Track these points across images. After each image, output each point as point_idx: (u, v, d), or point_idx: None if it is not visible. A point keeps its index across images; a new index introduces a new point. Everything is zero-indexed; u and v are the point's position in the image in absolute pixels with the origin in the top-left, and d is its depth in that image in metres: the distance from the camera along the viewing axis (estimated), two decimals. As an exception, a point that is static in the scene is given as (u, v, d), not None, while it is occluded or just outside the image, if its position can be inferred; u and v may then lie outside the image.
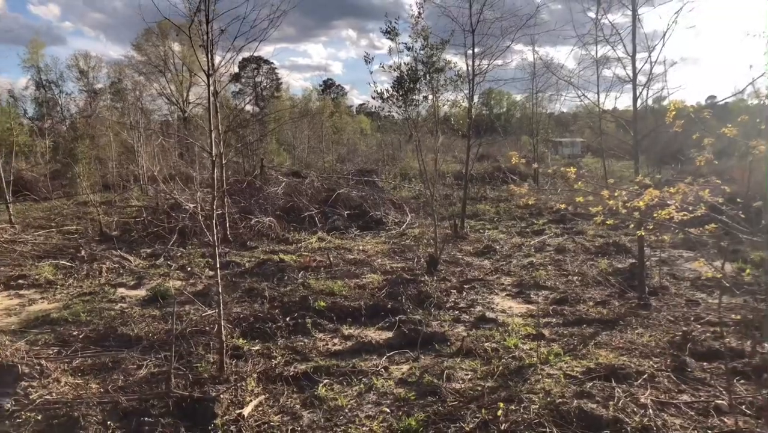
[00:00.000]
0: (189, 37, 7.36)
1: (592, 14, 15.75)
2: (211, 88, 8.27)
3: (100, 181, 33.41)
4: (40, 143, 41.30)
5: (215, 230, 7.71)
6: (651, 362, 8.12)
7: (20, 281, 13.42)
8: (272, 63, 69.78)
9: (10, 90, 51.89)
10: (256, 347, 9.04)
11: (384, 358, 8.59)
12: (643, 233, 6.90)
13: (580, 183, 6.18)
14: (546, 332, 9.69)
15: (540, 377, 7.63)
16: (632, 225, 6.85)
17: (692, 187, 5.31)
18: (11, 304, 11.96)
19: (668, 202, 5.28)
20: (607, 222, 6.03)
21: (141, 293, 12.62)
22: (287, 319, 10.25)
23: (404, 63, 16.90)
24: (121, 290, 12.90)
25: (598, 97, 20.89)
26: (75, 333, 9.52)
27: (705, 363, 8.07)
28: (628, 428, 6.03)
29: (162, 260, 15.81)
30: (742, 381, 7.37)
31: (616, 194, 5.59)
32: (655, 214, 5.49)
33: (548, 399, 6.82)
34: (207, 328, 9.47)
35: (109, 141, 35.42)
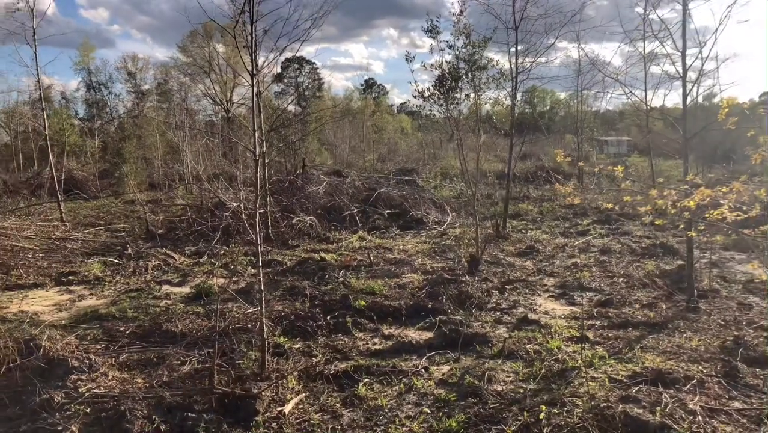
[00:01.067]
0: (234, 38, 7.45)
1: (639, 9, 15.36)
2: (255, 88, 8.36)
3: (147, 180, 34.36)
4: (90, 143, 42.77)
5: (258, 229, 7.79)
6: (700, 367, 7.83)
7: (70, 277, 13.87)
8: (314, 63, 70.43)
9: (62, 92, 53.87)
10: (297, 345, 9.11)
11: (424, 358, 8.53)
12: (694, 234, 6.64)
13: (627, 183, 5.98)
14: (590, 334, 9.44)
15: (584, 380, 7.43)
16: (682, 225, 6.60)
17: (747, 187, 5.07)
18: (62, 299, 12.38)
19: (721, 201, 5.06)
20: (656, 222, 5.83)
21: (185, 290, 12.88)
22: (328, 318, 10.30)
23: (446, 61, 16.84)
24: (166, 287, 13.20)
25: (645, 95, 20.40)
26: (122, 329, 9.77)
27: (757, 369, 7.73)
28: (677, 436, 5.83)
29: (206, 257, 16.12)
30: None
31: (665, 194, 5.39)
32: (706, 215, 5.27)
33: (592, 403, 6.64)
34: (249, 325, 9.59)
35: (155, 141, 36.39)
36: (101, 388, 7.20)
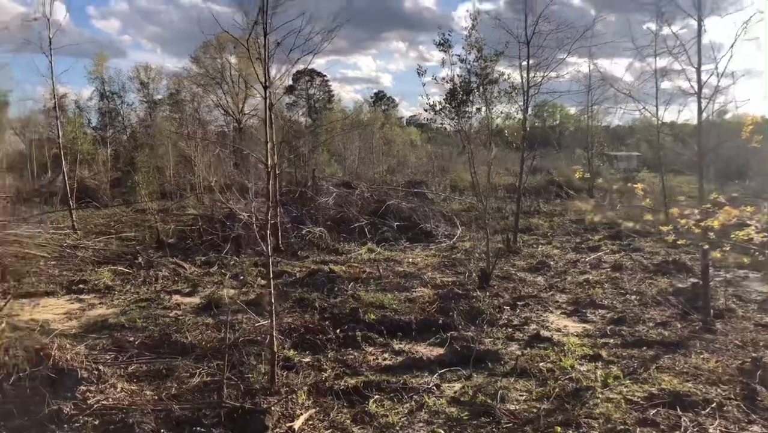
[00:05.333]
0: (247, 50, 7.46)
1: (651, 26, 15.36)
2: (268, 100, 8.36)
3: (158, 189, 34.48)
4: (102, 152, 43.01)
5: (269, 240, 7.74)
6: (719, 390, 7.68)
7: (81, 286, 13.88)
8: (324, 75, 70.72)
9: (76, 101, 54.29)
10: (307, 359, 9.02)
11: (435, 375, 8.41)
12: (719, 255, 6.52)
13: (647, 200, 5.89)
14: (604, 353, 9.29)
15: (599, 400, 7.31)
16: (706, 246, 6.48)
17: (777, 208, 4.99)
18: (72, 308, 12.37)
19: (747, 222, 4.96)
20: (679, 241, 5.73)
21: (195, 300, 12.84)
22: (337, 331, 10.20)
23: (457, 75, 16.82)
24: (176, 297, 13.17)
25: (657, 110, 20.32)
26: (131, 339, 9.72)
27: (778, 393, 7.57)
28: (697, 461, 5.69)
29: (216, 268, 16.10)
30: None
31: (686, 212, 5.29)
32: (732, 235, 5.17)
33: (609, 426, 6.51)
34: (259, 338, 9.51)
35: (167, 150, 36.54)
36: (110, 400, 7.14)
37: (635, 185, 5.75)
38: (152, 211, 21.03)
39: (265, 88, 8.10)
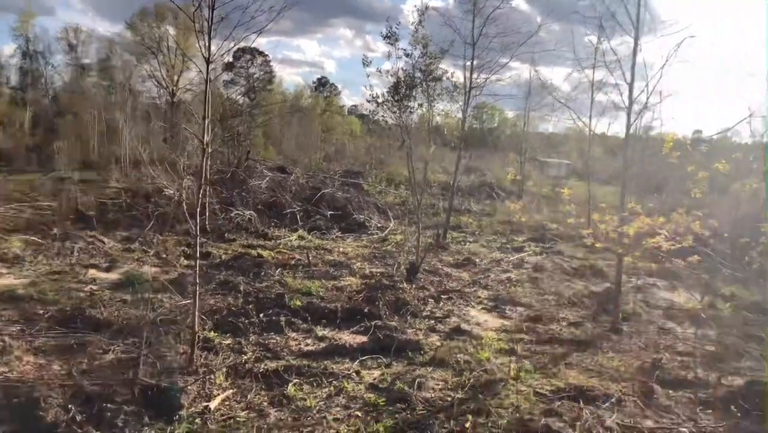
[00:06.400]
0: (193, 22, 7.26)
1: (591, 38, 15.96)
2: (208, 75, 8.14)
3: (81, 158, 32.78)
4: (21, 113, 40.52)
5: (198, 220, 7.59)
6: (619, 386, 8.17)
7: (-14, 253, 13.08)
8: (266, 55, 69.31)
9: (-6, 56, 50.83)
10: (227, 341, 8.93)
11: (356, 362, 8.54)
12: (630, 260, 6.94)
13: (571, 205, 6.19)
14: (518, 348, 9.68)
15: (510, 392, 7.63)
16: (620, 250, 6.88)
17: (686, 219, 5.35)
18: (-23, 276, 11.68)
19: (658, 231, 5.31)
20: (597, 245, 6.06)
21: (113, 276, 12.40)
22: (261, 315, 10.13)
23: (402, 69, 16.90)
24: (93, 272, 12.65)
25: (590, 121, 21.18)
26: (41, 312, 9.30)
27: (671, 391, 8.14)
28: (594, 451, 6.05)
29: (137, 244, 15.56)
30: (706, 411, 7.46)
31: (607, 219, 5.61)
32: (643, 242, 5.52)
33: (517, 415, 6.82)
34: (178, 317, 9.32)
35: (92, 119, 34.79)
36: (14, 372, 6.83)
37: (563, 190, 6.03)
38: (72, 180, 20.00)
39: (208, 62, 7.89)
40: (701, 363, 9.32)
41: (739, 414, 6.73)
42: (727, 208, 15.38)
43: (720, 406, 7.47)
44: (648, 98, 11.51)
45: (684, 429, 6.80)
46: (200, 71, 8.61)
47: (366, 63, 17.16)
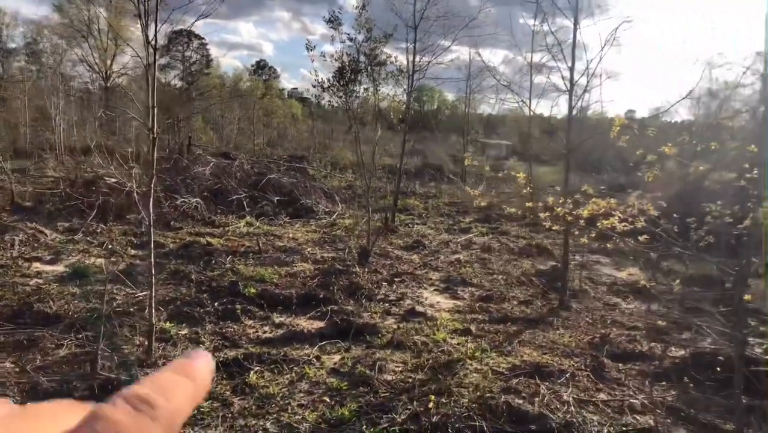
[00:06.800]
0: (136, 5, 7.01)
1: (529, 21, 16.30)
2: (149, 60, 7.91)
3: (11, 147, 31.12)
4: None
5: (150, 209, 7.41)
6: (572, 362, 8.54)
7: None
8: (203, 38, 67.32)
9: None
10: (184, 332, 8.80)
11: (316, 347, 8.58)
12: (586, 241, 7.26)
13: (529, 188, 6.40)
14: (473, 328, 9.95)
15: (468, 371, 7.86)
16: (577, 232, 7.17)
17: (639, 201, 5.65)
18: None
19: (612, 212, 5.59)
20: (554, 228, 6.31)
21: (59, 268, 11.94)
22: (216, 304, 10.02)
23: (346, 54, 16.81)
24: (37, 265, 12.15)
25: (530, 102, 21.69)
26: (-16, 308, 8.89)
27: (620, 364, 8.59)
28: (553, 424, 6.34)
29: (81, 235, 14.99)
30: (654, 382, 7.90)
31: (561, 201, 5.85)
32: (598, 224, 5.80)
33: (477, 393, 7.04)
34: (132, 309, 9.11)
35: (22, 105, 33.03)
36: (-39, 373, 6.54)
37: (518, 174, 6.24)
38: (6, 170, 18.98)
39: (154, 48, 7.65)
40: (647, 336, 9.86)
41: (691, 384, 7.15)
42: (674, 189, 16.10)
43: (667, 377, 7.92)
44: (589, 81, 11.96)
45: (635, 401, 7.19)
46: (137, 55, 8.34)
47: (310, 48, 16.99)
